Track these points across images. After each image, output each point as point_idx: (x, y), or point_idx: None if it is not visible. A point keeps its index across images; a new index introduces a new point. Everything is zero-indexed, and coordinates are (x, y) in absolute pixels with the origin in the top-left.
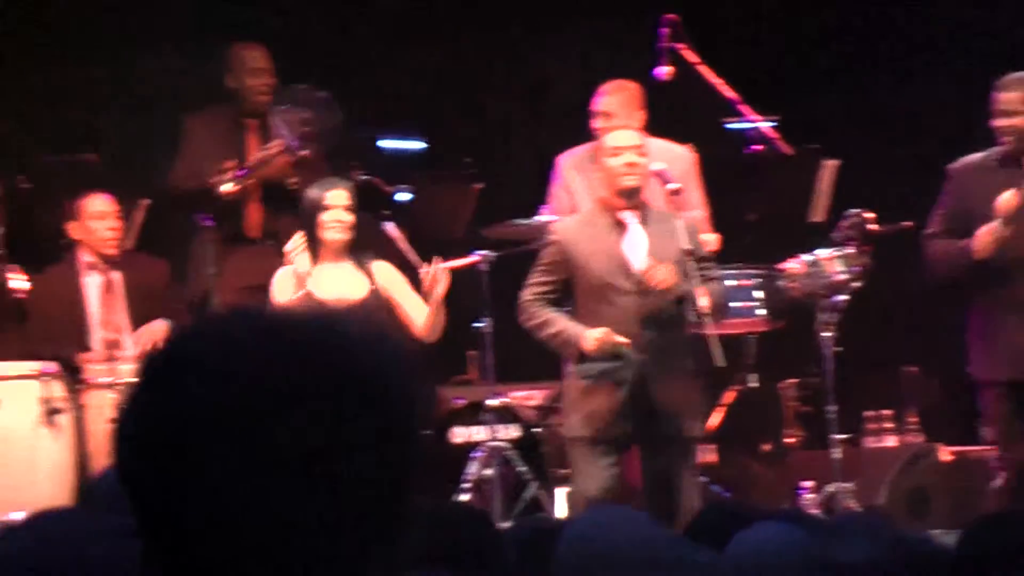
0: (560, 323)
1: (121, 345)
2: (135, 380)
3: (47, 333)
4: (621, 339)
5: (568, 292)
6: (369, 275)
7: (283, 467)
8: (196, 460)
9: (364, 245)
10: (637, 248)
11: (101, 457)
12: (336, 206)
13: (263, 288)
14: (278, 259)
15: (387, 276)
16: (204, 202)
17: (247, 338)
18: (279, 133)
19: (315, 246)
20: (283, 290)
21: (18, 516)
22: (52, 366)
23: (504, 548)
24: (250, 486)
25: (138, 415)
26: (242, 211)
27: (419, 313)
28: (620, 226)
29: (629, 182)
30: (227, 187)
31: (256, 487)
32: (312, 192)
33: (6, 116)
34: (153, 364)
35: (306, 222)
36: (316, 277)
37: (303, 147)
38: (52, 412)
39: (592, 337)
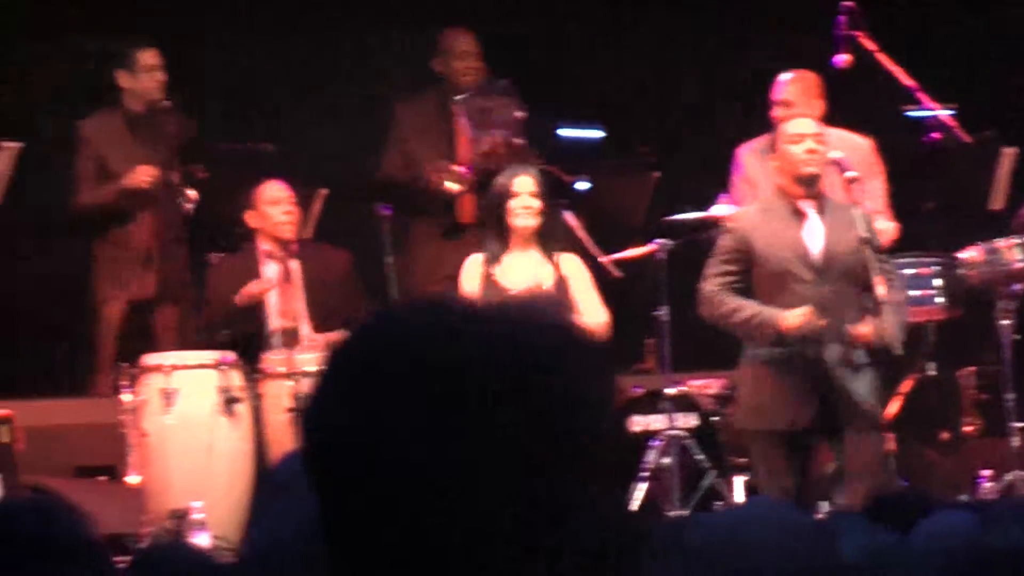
0: (753, 307)
1: (298, 334)
2: (322, 368)
3: (227, 321)
4: (820, 320)
5: (750, 281)
6: (555, 266)
7: (473, 456)
8: (387, 450)
9: (548, 234)
10: (815, 237)
11: (278, 446)
12: (524, 192)
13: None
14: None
15: (572, 268)
16: (414, 194)
17: (435, 327)
18: (460, 122)
19: (503, 234)
20: (470, 278)
21: (198, 505)
22: (230, 355)
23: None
24: (440, 477)
25: (326, 404)
26: (456, 200)
27: (595, 311)
28: (799, 214)
29: (809, 169)
30: (454, 186)
31: (447, 478)
32: (499, 180)
33: (185, 106)
34: (341, 353)
35: (494, 210)
36: (503, 266)
37: (513, 136)
38: (230, 401)
39: (795, 315)
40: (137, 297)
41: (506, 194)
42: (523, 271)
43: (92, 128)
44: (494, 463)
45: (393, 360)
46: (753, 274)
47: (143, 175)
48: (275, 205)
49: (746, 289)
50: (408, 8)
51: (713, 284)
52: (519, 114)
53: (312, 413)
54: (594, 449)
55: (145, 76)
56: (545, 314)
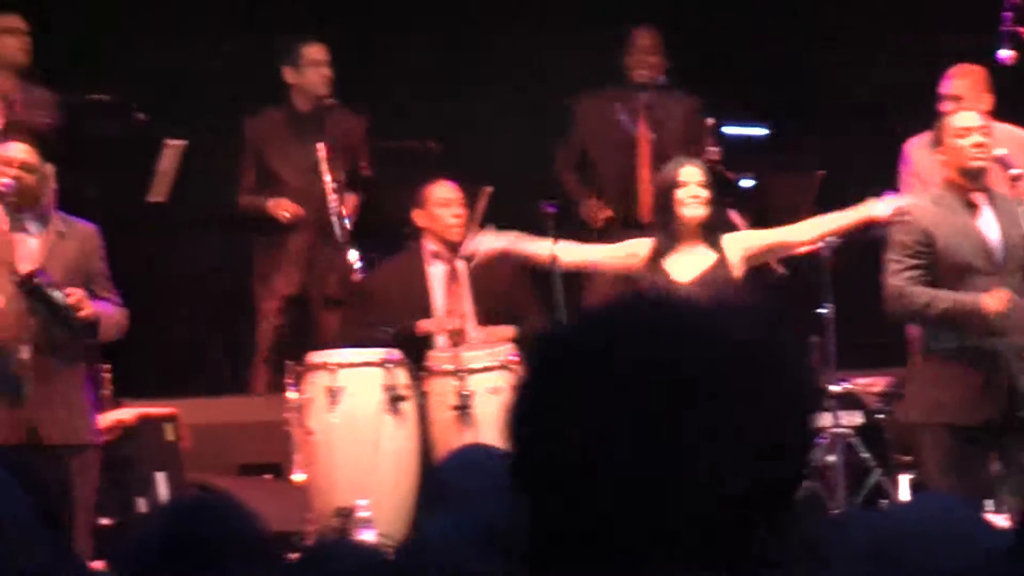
0: (949, 296)
1: (465, 334)
2: (528, 366)
3: (391, 320)
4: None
5: (936, 274)
6: (722, 253)
7: (684, 447)
8: (595, 444)
9: (714, 229)
10: (991, 228)
11: (444, 444)
12: (691, 182)
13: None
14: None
15: (735, 240)
16: (583, 188)
17: (638, 322)
18: (618, 116)
19: (671, 227)
20: (634, 256)
21: (363, 503)
22: (396, 353)
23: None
24: (647, 469)
25: (532, 400)
26: (635, 195)
27: (789, 230)
28: (972, 206)
29: (976, 163)
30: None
31: (654, 468)
32: (665, 171)
33: (348, 104)
34: (544, 349)
35: (661, 203)
36: (672, 259)
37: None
38: (396, 399)
39: (996, 298)
40: (296, 295)
41: (673, 184)
42: (692, 266)
43: (254, 126)
44: (702, 449)
45: (619, 358)
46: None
47: (284, 209)
48: (445, 207)
49: (931, 283)
50: (577, 4)
51: (900, 279)
52: (709, 120)
53: (517, 409)
54: (803, 436)
55: (311, 71)
56: (749, 309)
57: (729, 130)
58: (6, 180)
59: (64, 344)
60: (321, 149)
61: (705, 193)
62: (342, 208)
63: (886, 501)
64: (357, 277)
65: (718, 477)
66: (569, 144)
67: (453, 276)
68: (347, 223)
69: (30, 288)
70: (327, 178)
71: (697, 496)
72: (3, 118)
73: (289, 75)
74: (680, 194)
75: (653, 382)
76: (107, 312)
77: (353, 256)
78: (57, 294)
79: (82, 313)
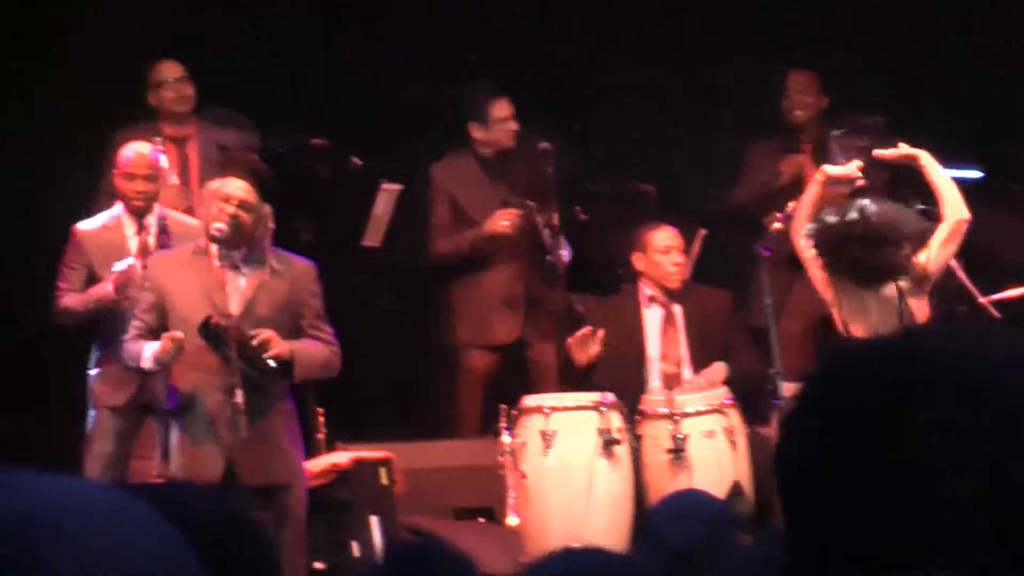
0: None
1: (680, 378)
2: (796, 403)
3: (605, 364)
4: None
5: None
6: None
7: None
8: (877, 479)
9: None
10: None
11: (657, 488)
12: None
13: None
14: None
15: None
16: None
17: (899, 358)
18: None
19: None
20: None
21: (576, 547)
22: (610, 397)
23: None
24: (935, 509)
25: (803, 437)
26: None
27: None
28: None
29: None
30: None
31: (941, 511)
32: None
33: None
34: (814, 386)
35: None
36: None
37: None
38: (609, 443)
39: None
40: (500, 342)
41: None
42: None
43: (444, 171)
44: (978, 480)
45: (864, 392)
46: None
47: (503, 219)
48: (665, 253)
49: None
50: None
51: None
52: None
53: (786, 447)
54: None
55: (498, 128)
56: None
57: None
58: (219, 224)
59: (261, 385)
60: (517, 191)
61: None
62: (559, 249)
63: None
64: (566, 318)
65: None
66: (741, 190)
67: (669, 320)
68: (563, 256)
69: (207, 334)
70: (549, 223)
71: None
72: (176, 164)
73: (476, 130)
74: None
75: (965, 409)
76: (307, 351)
77: (566, 297)
78: (241, 336)
79: (269, 355)
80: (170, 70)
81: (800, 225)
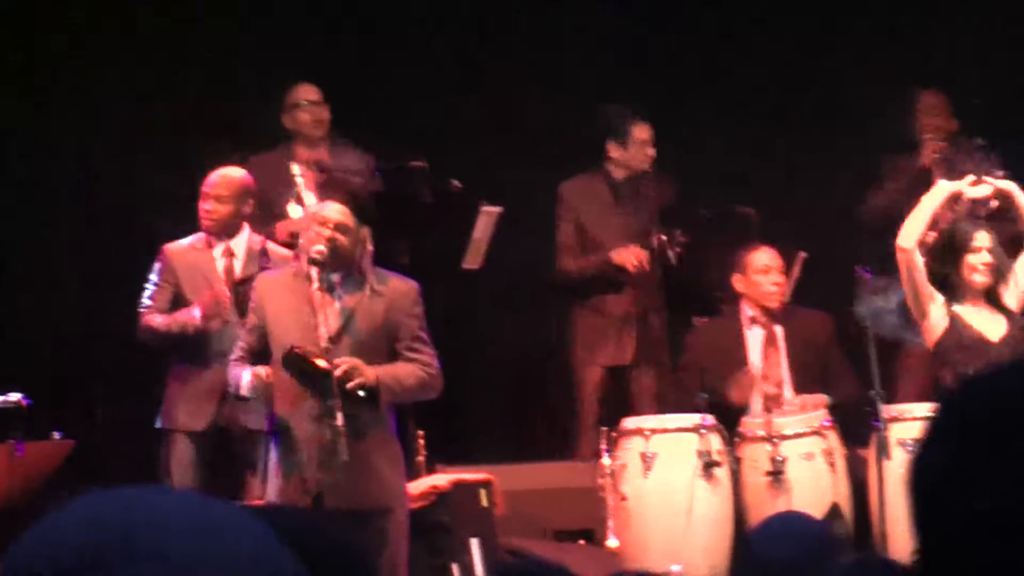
0: None
1: (781, 399)
2: (926, 429)
3: (706, 384)
4: None
5: None
6: (1008, 315)
7: None
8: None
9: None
10: None
11: (757, 510)
12: (983, 247)
13: None
14: None
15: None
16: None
17: None
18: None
19: (957, 283)
20: (938, 315)
21: (676, 569)
22: (710, 419)
23: None
24: None
25: (942, 461)
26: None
27: None
28: None
29: None
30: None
31: None
32: (960, 230)
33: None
34: (946, 411)
35: (949, 258)
36: (964, 310)
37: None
38: (709, 465)
39: None
40: (615, 363)
41: (965, 248)
42: (978, 321)
43: (573, 191)
44: None
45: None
46: None
47: (632, 256)
48: (764, 273)
49: None
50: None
51: None
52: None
53: (920, 477)
54: None
55: (636, 150)
56: None
57: None
58: (318, 247)
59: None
60: (643, 218)
61: (992, 260)
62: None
63: None
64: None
65: None
66: (875, 201)
67: (771, 341)
68: (664, 288)
69: (288, 363)
70: (652, 245)
71: None
72: (315, 187)
73: (613, 150)
74: (971, 259)
75: None
76: (395, 375)
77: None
78: (322, 365)
79: (352, 385)
80: (307, 92)
81: (914, 231)
